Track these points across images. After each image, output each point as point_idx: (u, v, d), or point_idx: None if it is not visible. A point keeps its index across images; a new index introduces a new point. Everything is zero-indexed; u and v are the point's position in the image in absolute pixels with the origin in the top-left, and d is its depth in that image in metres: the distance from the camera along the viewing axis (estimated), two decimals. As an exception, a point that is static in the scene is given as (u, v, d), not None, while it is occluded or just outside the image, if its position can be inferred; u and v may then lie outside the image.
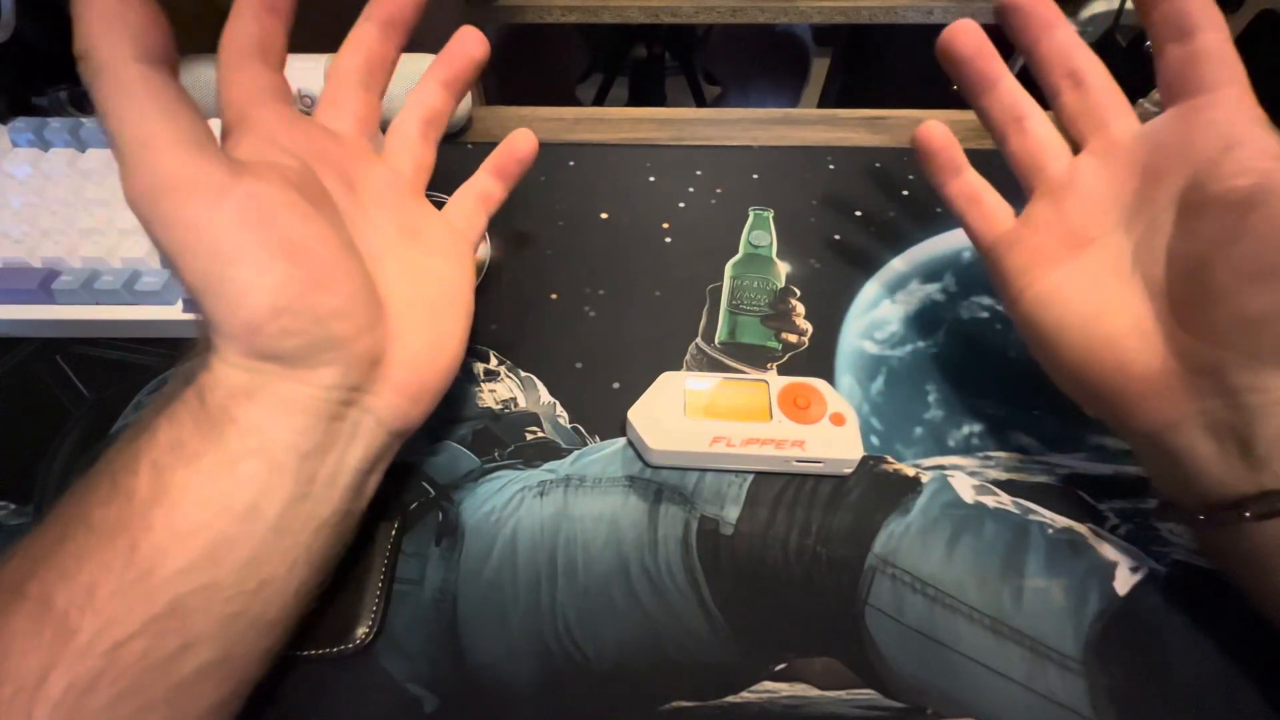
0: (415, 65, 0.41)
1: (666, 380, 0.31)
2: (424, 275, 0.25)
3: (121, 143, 0.18)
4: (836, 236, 0.39)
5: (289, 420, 0.20)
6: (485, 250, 0.38)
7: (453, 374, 0.25)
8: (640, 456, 0.30)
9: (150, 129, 0.18)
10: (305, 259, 0.19)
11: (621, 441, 0.31)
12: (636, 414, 0.30)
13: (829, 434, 0.29)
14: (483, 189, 0.30)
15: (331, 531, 0.21)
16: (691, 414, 0.29)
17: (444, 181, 0.41)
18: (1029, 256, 0.26)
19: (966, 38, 0.27)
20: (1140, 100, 0.46)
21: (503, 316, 0.35)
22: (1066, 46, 0.26)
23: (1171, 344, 0.22)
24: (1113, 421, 0.25)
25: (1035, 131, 0.27)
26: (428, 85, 0.28)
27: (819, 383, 0.30)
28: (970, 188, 0.29)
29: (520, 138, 0.30)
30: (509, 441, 0.31)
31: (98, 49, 0.17)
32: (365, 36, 0.25)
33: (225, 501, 0.19)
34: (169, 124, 0.18)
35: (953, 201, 0.29)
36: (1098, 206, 0.25)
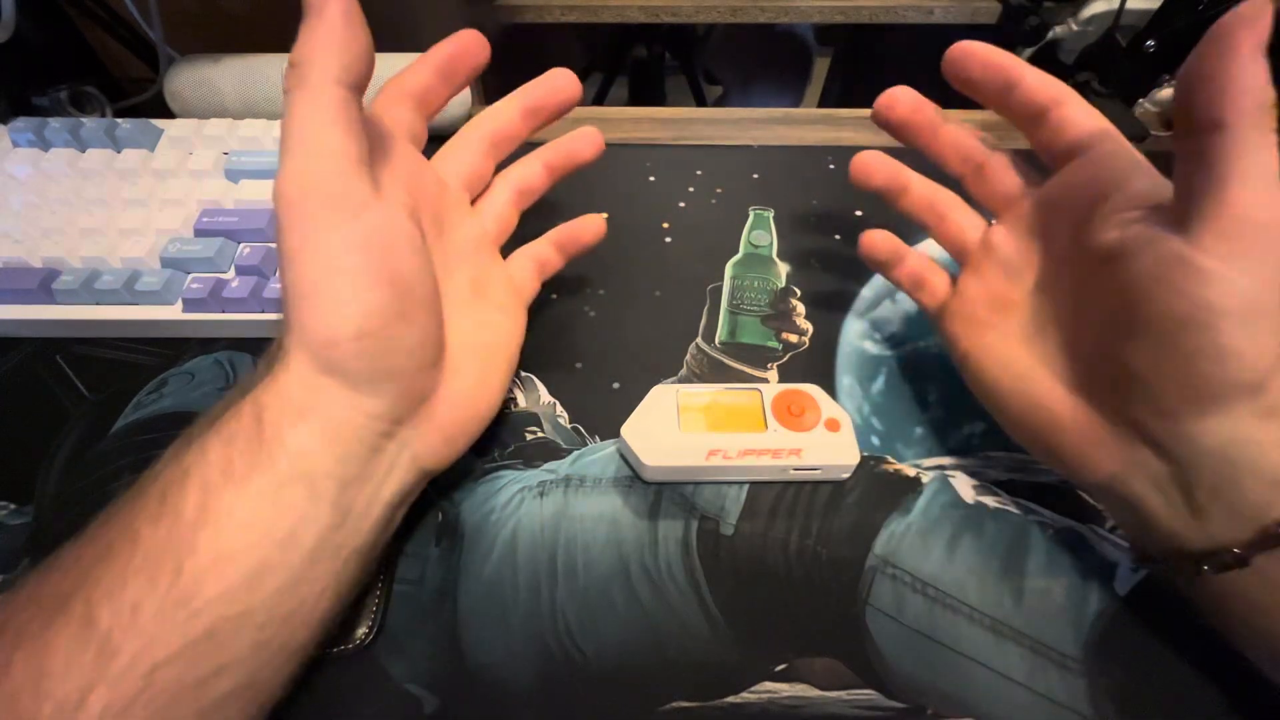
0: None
1: (659, 393, 0.30)
2: (482, 325, 0.26)
3: (292, 143, 0.19)
4: (837, 236, 0.39)
5: (333, 447, 0.20)
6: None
7: (488, 420, 0.26)
8: (635, 473, 0.30)
9: (324, 138, 0.19)
10: (403, 291, 0.21)
11: (622, 441, 0.31)
12: (630, 430, 0.29)
13: (825, 440, 0.28)
14: (543, 256, 0.31)
15: (360, 561, 0.22)
16: (686, 428, 0.29)
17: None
18: (963, 323, 0.27)
19: (874, 166, 0.29)
20: (1140, 100, 0.46)
21: (503, 316, 0.35)
22: (957, 138, 0.28)
23: (1094, 399, 0.23)
24: (1064, 473, 0.25)
25: (953, 218, 0.29)
26: (532, 164, 0.29)
27: (812, 388, 0.30)
28: (914, 270, 0.30)
29: (590, 222, 0.31)
30: (509, 441, 0.31)
31: (310, 64, 0.19)
32: (508, 112, 0.28)
33: (267, 527, 0.19)
34: (341, 139, 0.19)
35: (899, 283, 0.31)
36: (1013, 271, 0.26)
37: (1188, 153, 0.18)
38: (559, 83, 0.28)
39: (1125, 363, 0.21)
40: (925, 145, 0.28)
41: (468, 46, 0.26)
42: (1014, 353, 0.25)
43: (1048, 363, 0.24)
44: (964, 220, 0.28)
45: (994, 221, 0.27)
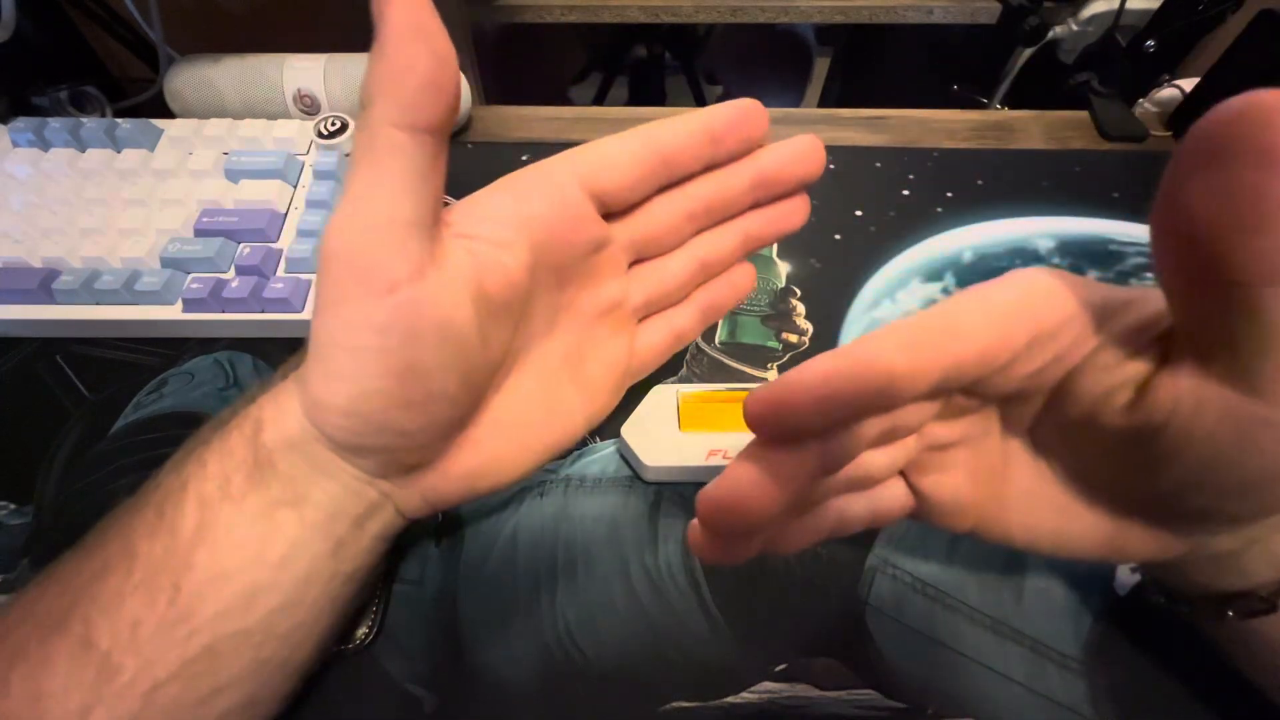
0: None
1: (659, 393, 0.30)
2: (541, 402, 0.21)
3: (345, 192, 0.17)
4: (837, 236, 0.39)
5: (321, 482, 0.20)
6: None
7: (490, 493, 0.22)
8: (635, 473, 0.30)
9: (371, 196, 0.17)
10: (412, 383, 0.18)
11: (622, 441, 0.31)
12: (630, 430, 0.29)
13: None
14: (681, 328, 0.24)
15: (355, 584, 0.22)
16: (686, 428, 0.29)
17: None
18: (951, 517, 0.21)
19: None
20: (1140, 100, 0.46)
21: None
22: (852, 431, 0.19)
23: (1134, 521, 0.20)
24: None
25: (869, 461, 0.20)
26: (727, 235, 0.23)
27: None
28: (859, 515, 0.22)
29: (741, 277, 0.25)
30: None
31: (370, 101, 0.16)
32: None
33: (261, 548, 0.19)
34: (390, 199, 0.17)
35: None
36: (979, 450, 0.21)
37: (1227, 304, 0.14)
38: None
39: (1175, 502, 0.18)
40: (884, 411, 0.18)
41: (749, 116, 0.21)
42: (1031, 514, 0.21)
43: (1070, 508, 0.20)
44: (887, 456, 0.19)
45: (923, 431, 0.19)
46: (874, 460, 0.19)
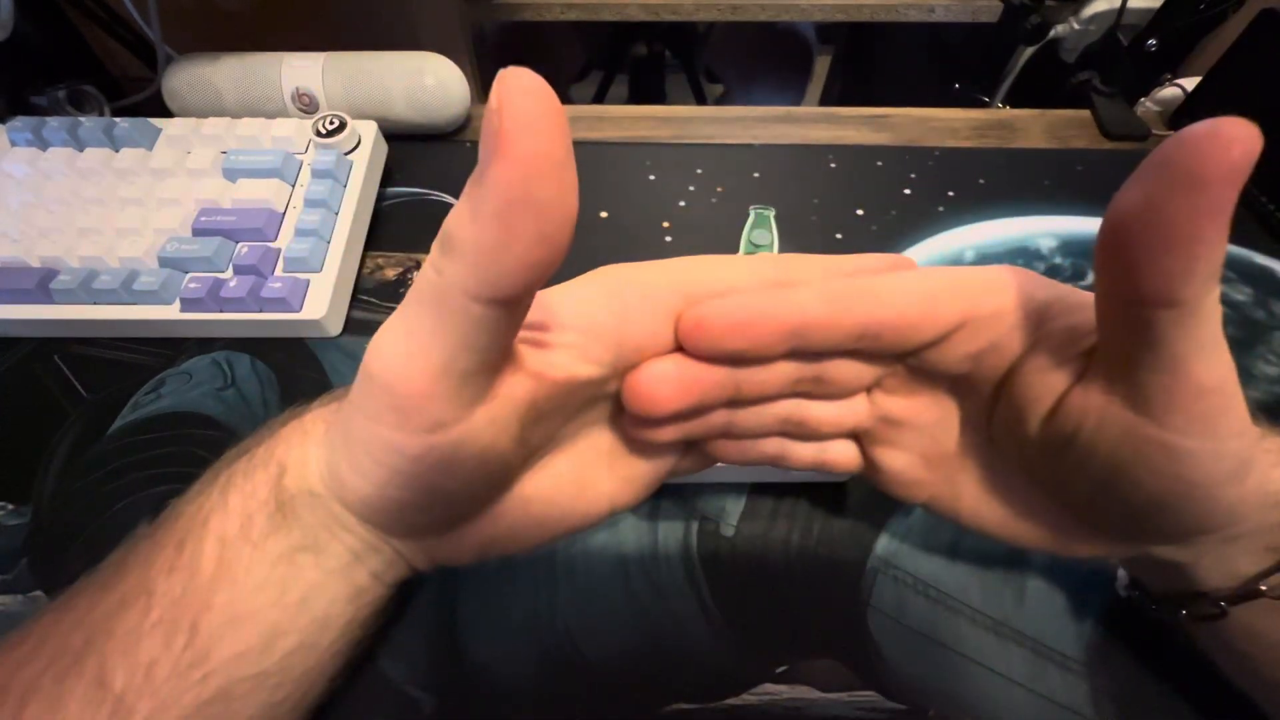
0: (414, 63, 0.41)
1: None
2: (579, 485, 0.20)
3: (401, 313, 0.15)
4: (838, 235, 0.39)
5: (340, 534, 0.19)
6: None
7: (499, 555, 0.21)
8: None
9: (431, 340, 0.15)
10: (431, 504, 0.17)
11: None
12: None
13: None
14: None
15: (371, 627, 0.22)
16: None
17: (443, 180, 0.41)
18: (904, 487, 0.22)
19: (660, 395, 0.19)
20: (1142, 99, 0.45)
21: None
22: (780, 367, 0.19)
23: (1078, 519, 0.20)
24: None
25: (813, 414, 0.20)
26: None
27: None
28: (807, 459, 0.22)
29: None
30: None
31: (450, 256, 0.14)
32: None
33: (281, 591, 0.19)
34: (455, 350, 0.15)
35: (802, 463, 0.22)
36: (933, 433, 0.21)
37: (1128, 322, 0.15)
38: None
39: (1092, 511, 0.19)
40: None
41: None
42: (982, 499, 0.21)
43: (1019, 501, 0.21)
44: (831, 411, 0.20)
45: (873, 392, 0.20)
46: (814, 411, 0.20)
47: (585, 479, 0.20)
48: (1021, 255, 0.37)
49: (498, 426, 0.16)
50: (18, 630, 0.19)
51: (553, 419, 0.18)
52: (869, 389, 0.20)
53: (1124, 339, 0.15)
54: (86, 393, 0.32)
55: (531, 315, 0.16)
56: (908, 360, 0.18)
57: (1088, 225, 0.39)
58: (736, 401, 0.19)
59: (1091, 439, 0.17)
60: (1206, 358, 0.15)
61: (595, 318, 0.17)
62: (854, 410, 0.20)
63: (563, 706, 0.24)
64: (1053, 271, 0.37)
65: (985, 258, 0.37)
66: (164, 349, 0.34)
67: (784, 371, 0.18)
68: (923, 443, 0.20)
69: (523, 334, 0.17)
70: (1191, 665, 0.25)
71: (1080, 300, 0.17)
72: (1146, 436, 0.16)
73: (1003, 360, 0.18)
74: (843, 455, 0.21)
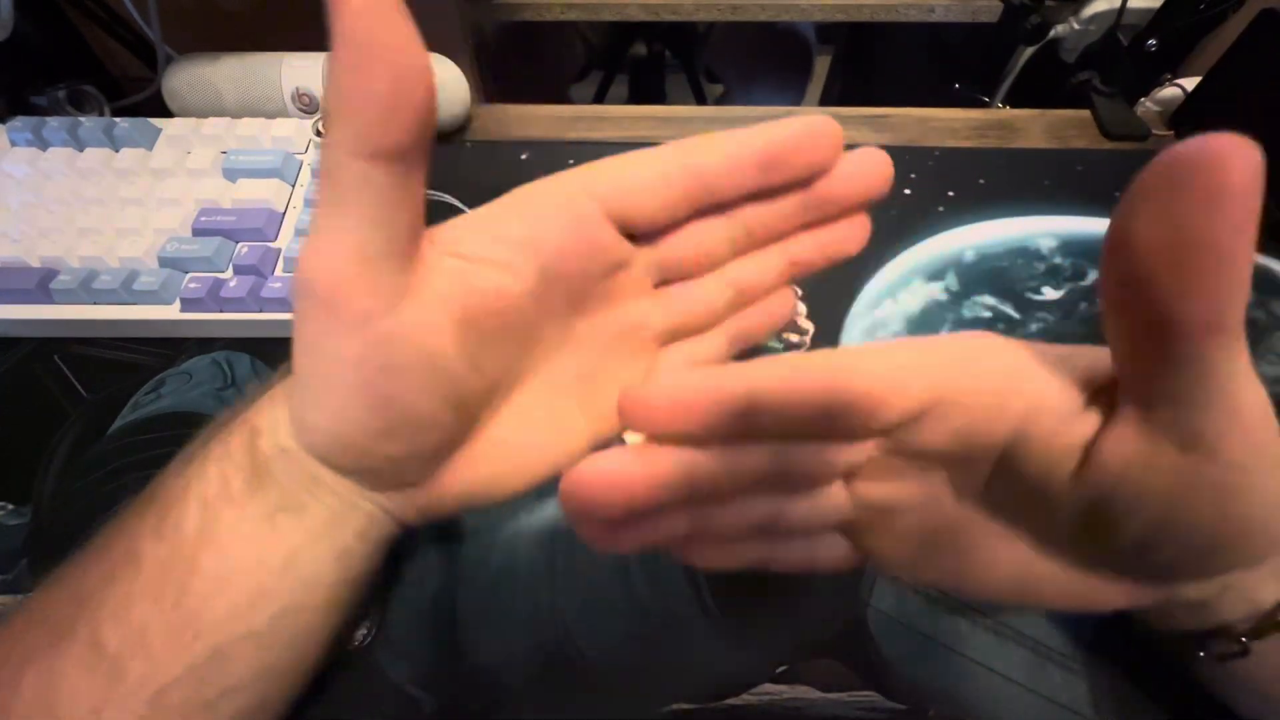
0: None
1: None
2: (552, 422, 0.20)
3: (312, 218, 0.16)
4: (837, 236, 0.39)
5: (318, 493, 0.19)
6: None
7: (485, 506, 0.21)
8: None
9: (337, 226, 0.15)
10: (394, 414, 0.17)
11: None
12: (630, 433, 0.29)
13: None
14: (708, 358, 0.23)
15: (359, 587, 0.21)
16: None
17: (443, 180, 0.41)
18: (901, 568, 0.21)
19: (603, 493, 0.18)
20: (1142, 99, 0.45)
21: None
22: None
23: (1090, 570, 0.19)
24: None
25: (794, 511, 0.20)
26: (772, 258, 0.21)
27: None
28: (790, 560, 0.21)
29: (781, 303, 0.23)
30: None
31: (328, 126, 0.15)
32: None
33: (264, 552, 0.19)
34: (355, 229, 0.15)
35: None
36: (916, 511, 0.20)
37: (1170, 358, 0.14)
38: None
39: (1136, 560, 0.18)
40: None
41: (816, 140, 0.18)
42: (989, 568, 0.20)
43: (1032, 565, 0.19)
44: (806, 507, 0.19)
45: (853, 480, 0.19)
46: (790, 509, 0.18)
47: (556, 413, 0.20)
48: (1021, 255, 0.37)
49: (429, 324, 0.17)
50: (12, 612, 0.19)
51: (502, 342, 0.18)
52: (846, 477, 0.19)
53: (1163, 373, 0.14)
54: (86, 393, 0.32)
55: (442, 235, 0.17)
56: (885, 441, 0.17)
57: (1088, 225, 0.39)
58: (698, 500, 0.17)
59: (1138, 487, 0.16)
60: (1252, 381, 0.14)
61: (508, 229, 0.18)
62: (834, 501, 0.19)
63: (563, 706, 0.24)
64: (1053, 271, 0.37)
65: (985, 258, 0.37)
66: (164, 349, 0.34)
67: (747, 462, 0.17)
68: (916, 524, 0.19)
69: (438, 247, 0.17)
70: (1190, 665, 0.25)
71: (1064, 352, 0.17)
72: (1202, 473, 0.15)
73: (995, 433, 0.17)
74: (834, 551, 0.20)
